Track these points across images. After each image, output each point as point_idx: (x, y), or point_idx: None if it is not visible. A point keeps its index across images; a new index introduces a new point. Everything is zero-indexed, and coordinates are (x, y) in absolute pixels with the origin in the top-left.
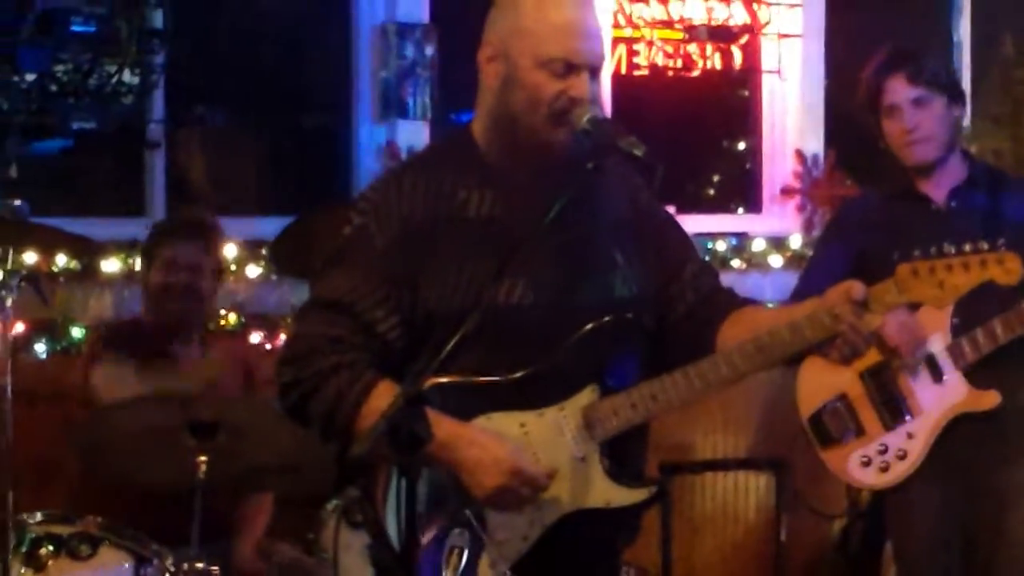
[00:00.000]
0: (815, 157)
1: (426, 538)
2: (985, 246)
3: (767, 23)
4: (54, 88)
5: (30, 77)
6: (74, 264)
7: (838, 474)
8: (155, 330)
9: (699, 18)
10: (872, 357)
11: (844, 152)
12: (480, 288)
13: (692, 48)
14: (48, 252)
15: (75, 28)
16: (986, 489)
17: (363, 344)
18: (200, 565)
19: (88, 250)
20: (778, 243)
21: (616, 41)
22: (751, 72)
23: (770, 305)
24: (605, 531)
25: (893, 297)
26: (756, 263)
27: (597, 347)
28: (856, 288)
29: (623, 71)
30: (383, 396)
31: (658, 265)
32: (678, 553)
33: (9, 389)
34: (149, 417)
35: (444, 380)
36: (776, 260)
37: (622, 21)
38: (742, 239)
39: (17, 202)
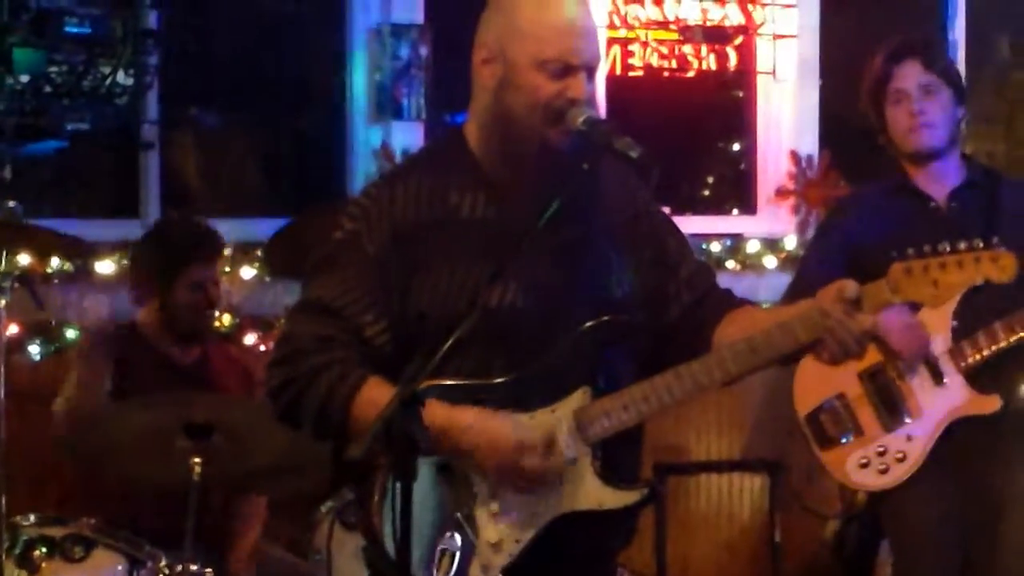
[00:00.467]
0: (810, 158)
1: (417, 540)
2: (980, 244)
3: (762, 24)
4: (48, 89)
5: (24, 78)
6: (68, 266)
7: (836, 475)
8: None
9: (694, 19)
10: (871, 357)
11: (839, 153)
12: (474, 291)
13: (687, 49)
14: (42, 254)
15: (69, 29)
16: (983, 493)
17: (353, 344)
18: (194, 567)
19: (82, 252)
20: (773, 244)
21: (611, 42)
22: (746, 73)
23: (765, 307)
24: (598, 533)
25: (886, 296)
26: (751, 264)
27: (590, 349)
28: (848, 287)
29: (618, 72)
30: (374, 390)
31: (654, 265)
32: (672, 555)
33: (2, 391)
34: (144, 418)
35: (437, 383)
36: (771, 261)
37: (617, 22)
38: (737, 240)
39: (11, 204)
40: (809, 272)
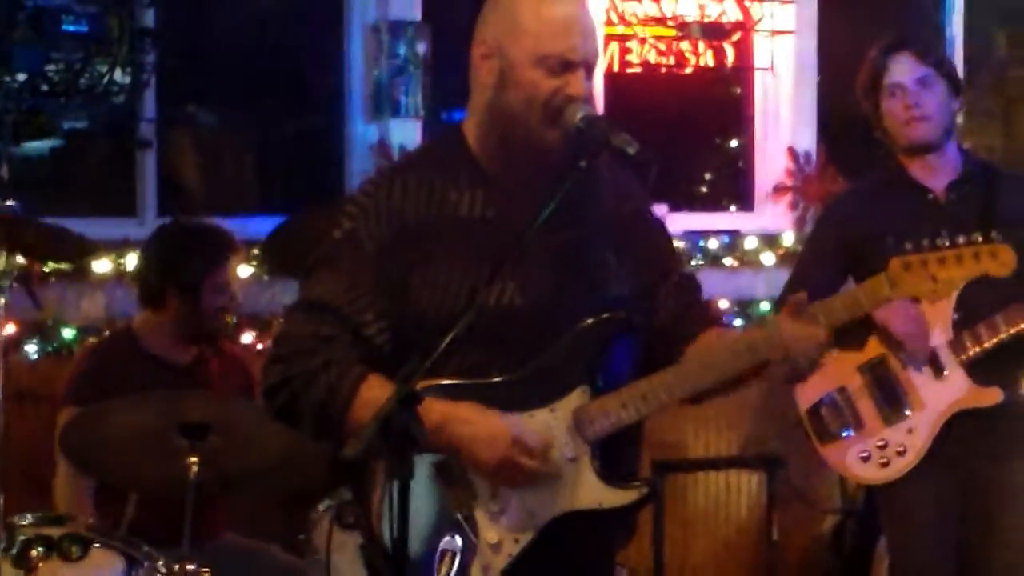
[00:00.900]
0: (807, 154)
1: (418, 541)
2: (979, 238)
3: (759, 20)
4: (45, 88)
5: (21, 77)
6: (65, 265)
7: (837, 469)
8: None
9: (692, 15)
10: (872, 350)
11: (836, 150)
12: (472, 290)
13: (684, 45)
14: (39, 252)
15: (67, 27)
16: (981, 487)
17: (351, 343)
18: (191, 567)
19: (80, 251)
20: (770, 241)
21: (608, 38)
22: (743, 69)
23: (764, 304)
24: (598, 532)
25: (885, 292)
26: (748, 261)
27: (588, 348)
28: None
29: (616, 68)
30: (375, 388)
31: (649, 267)
32: (670, 552)
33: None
34: (140, 417)
35: (436, 382)
36: (768, 258)
37: (615, 18)
38: (734, 237)
39: (8, 202)
40: (806, 268)
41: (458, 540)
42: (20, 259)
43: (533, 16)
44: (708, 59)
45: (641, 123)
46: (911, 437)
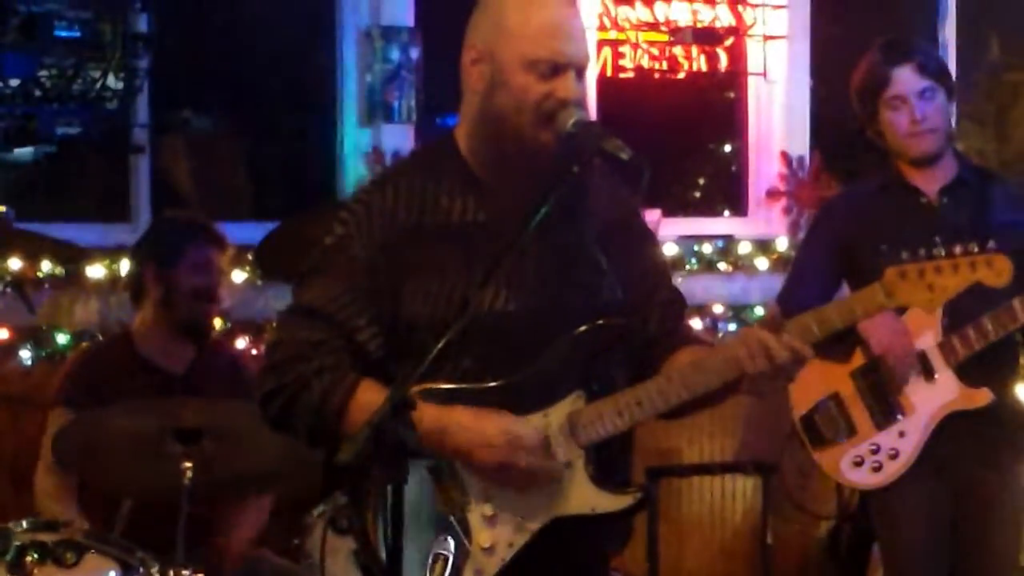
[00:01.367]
0: (801, 159)
1: (411, 545)
2: (975, 247)
3: (752, 25)
4: (38, 93)
5: (14, 82)
6: (59, 270)
7: (831, 474)
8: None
9: (684, 20)
10: (864, 355)
11: (830, 155)
12: (465, 295)
13: (677, 50)
14: (33, 258)
15: (59, 33)
16: (971, 490)
17: (344, 349)
18: (186, 572)
19: (73, 256)
20: (764, 246)
21: (601, 43)
22: (736, 74)
23: (758, 309)
24: (592, 538)
25: (880, 300)
26: (742, 266)
27: (583, 353)
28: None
29: (608, 73)
30: (368, 393)
31: (640, 276)
32: (665, 558)
33: None
34: (133, 423)
35: (429, 387)
36: (762, 263)
37: (607, 23)
38: (728, 242)
39: (1, 208)
40: (802, 273)
41: (451, 543)
42: (13, 264)
43: (522, 20)
44: (701, 64)
45: (634, 128)
46: (903, 441)
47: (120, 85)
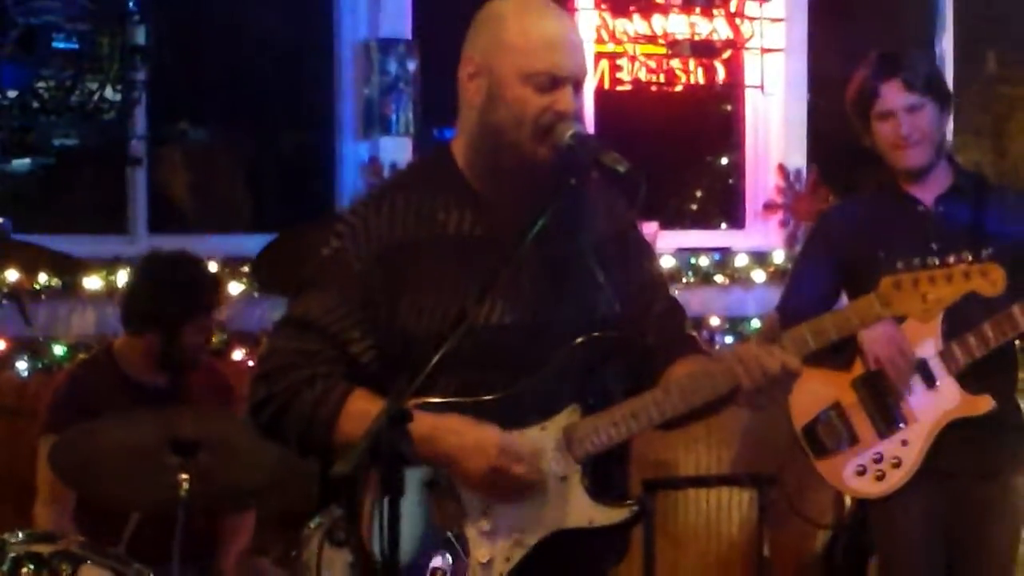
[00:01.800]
0: (798, 172)
1: (408, 559)
2: (969, 257)
3: (750, 38)
4: (36, 105)
5: (11, 94)
6: (56, 281)
7: (834, 484)
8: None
9: (682, 33)
10: (865, 363)
11: (827, 168)
12: (460, 308)
13: (675, 63)
14: (30, 270)
15: (57, 44)
16: (970, 498)
17: (337, 359)
18: None
19: (70, 268)
20: (761, 258)
21: (599, 56)
22: (734, 87)
23: (755, 321)
24: (589, 551)
25: (876, 311)
26: (739, 278)
27: (579, 366)
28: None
29: (606, 86)
30: (360, 402)
31: (637, 290)
32: (661, 569)
33: None
34: (131, 435)
35: (425, 400)
36: (759, 275)
37: (605, 36)
38: (725, 254)
39: None
40: (799, 282)
41: (449, 558)
42: (11, 276)
43: (520, 34)
44: (699, 77)
45: (631, 140)
46: (905, 449)
47: (118, 97)
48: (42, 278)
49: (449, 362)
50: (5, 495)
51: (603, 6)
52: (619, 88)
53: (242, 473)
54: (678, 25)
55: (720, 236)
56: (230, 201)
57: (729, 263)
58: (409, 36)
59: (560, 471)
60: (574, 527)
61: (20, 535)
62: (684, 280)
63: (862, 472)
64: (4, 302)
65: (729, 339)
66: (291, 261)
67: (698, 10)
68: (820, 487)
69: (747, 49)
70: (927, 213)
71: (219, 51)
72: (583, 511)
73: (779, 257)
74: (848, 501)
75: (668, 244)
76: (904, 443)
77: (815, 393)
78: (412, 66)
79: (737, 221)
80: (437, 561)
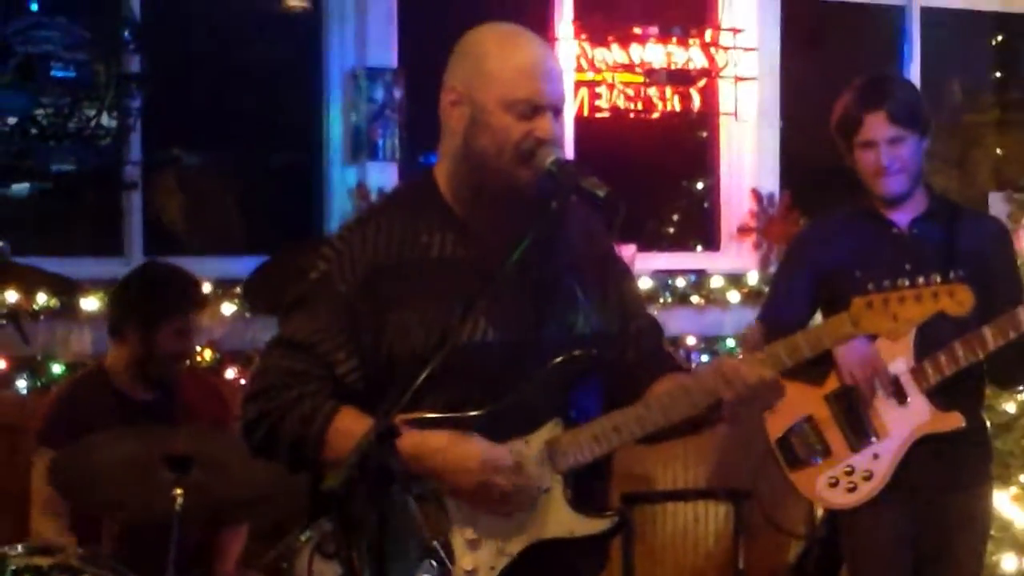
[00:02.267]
0: (771, 196)
1: (395, 569)
2: (938, 278)
3: (724, 67)
4: (34, 131)
5: (11, 120)
6: (54, 302)
7: (807, 494)
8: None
9: (659, 62)
10: (838, 380)
11: (799, 192)
12: (445, 328)
13: (652, 91)
14: (29, 291)
15: (55, 73)
16: (939, 511)
17: (325, 379)
18: None
19: (68, 289)
20: (736, 280)
21: (579, 84)
22: (709, 114)
23: (729, 340)
24: (570, 561)
25: (848, 329)
26: (714, 299)
27: (560, 382)
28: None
29: (585, 113)
30: (347, 420)
31: (615, 308)
32: None
33: None
34: (125, 450)
35: (412, 416)
36: (734, 296)
37: (584, 64)
38: (701, 276)
39: None
40: (777, 297)
41: (435, 567)
42: (10, 297)
43: (501, 62)
44: (675, 104)
45: (610, 166)
46: (877, 462)
47: (113, 123)
48: (40, 299)
49: (434, 379)
50: (5, 508)
51: (583, 36)
52: (598, 115)
53: (234, 488)
54: (655, 54)
55: (696, 258)
56: (223, 224)
57: (705, 284)
58: (395, 65)
59: (543, 483)
60: (556, 537)
61: (20, 548)
62: (661, 301)
63: (834, 484)
64: (3, 323)
65: (705, 358)
66: (281, 283)
67: (674, 40)
68: (793, 498)
69: (721, 77)
70: (902, 236)
71: (211, 79)
72: (565, 521)
73: (753, 278)
74: (820, 512)
75: (645, 266)
76: (875, 456)
77: (790, 406)
78: (398, 94)
79: (712, 244)
80: (424, 570)
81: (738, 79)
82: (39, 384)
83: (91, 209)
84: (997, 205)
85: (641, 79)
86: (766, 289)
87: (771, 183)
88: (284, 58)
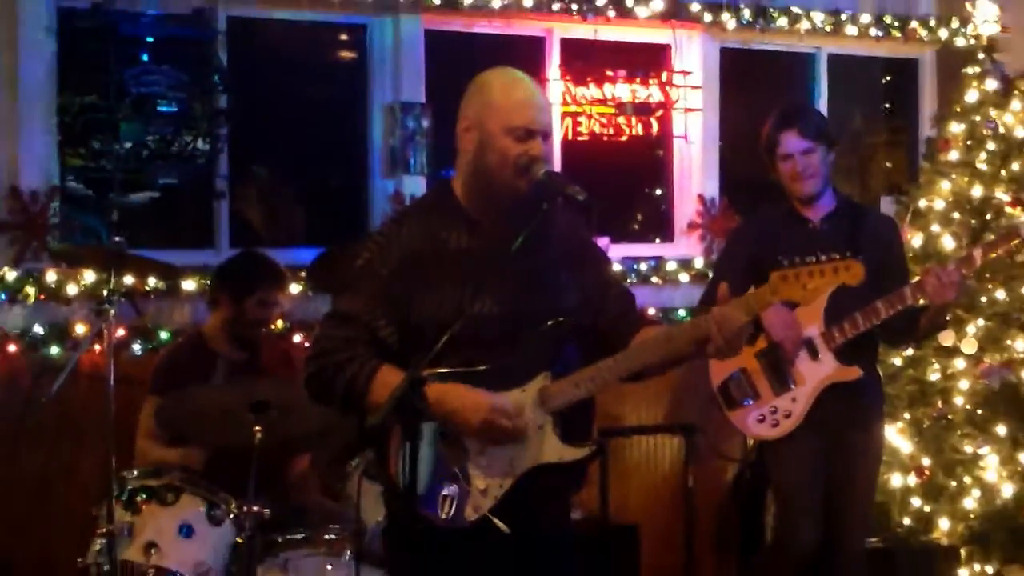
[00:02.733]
0: (713, 200)
1: (424, 488)
2: (836, 256)
3: (677, 100)
4: (145, 153)
5: (128, 145)
6: (161, 284)
7: (741, 429)
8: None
9: (626, 97)
10: (765, 341)
11: (734, 197)
12: (460, 303)
13: (621, 120)
14: (141, 275)
15: (161, 108)
16: (843, 442)
17: (369, 342)
18: (256, 508)
19: (172, 274)
20: (686, 264)
21: (564, 115)
22: (665, 137)
23: (681, 311)
24: (560, 480)
25: (768, 298)
26: (669, 280)
27: (548, 344)
28: (723, 290)
29: (570, 137)
30: (387, 375)
31: (595, 285)
32: (613, 497)
33: (112, 378)
34: (219, 398)
35: (435, 371)
36: (684, 277)
37: (569, 100)
38: (658, 262)
39: (118, 239)
40: (721, 274)
41: (455, 488)
42: (127, 280)
43: (504, 98)
44: (638, 130)
45: (589, 177)
46: (795, 404)
47: (207, 147)
48: (151, 281)
49: (452, 342)
50: (125, 443)
51: (567, 77)
52: (579, 139)
53: (300, 426)
54: (623, 91)
55: (655, 248)
56: (290, 223)
57: (662, 268)
58: (423, 100)
59: (538, 421)
60: (549, 462)
61: (136, 472)
62: (628, 281)
63: (761, 420)
64: (123, 300)
65: None
66: (336, 268)
67: (638, 80)
68: (730, 432)
69: (675, 109)
70: (815, 229)
71: (281, 112)
72: (556, 450)
73: (699, 263)
74: (751, 443)
75: (616, 254)
76: (794, 400)
77: (727, 360)
78: (425, 123)
79: (667, 237)
80: (446, 490)
81: (687, 110)
82: (150, 347)
83: (189, 212)
84: (887, 206)
85: (612, 110)
86: (710, 273)
87: (713, 190)
88: (337, 96)
